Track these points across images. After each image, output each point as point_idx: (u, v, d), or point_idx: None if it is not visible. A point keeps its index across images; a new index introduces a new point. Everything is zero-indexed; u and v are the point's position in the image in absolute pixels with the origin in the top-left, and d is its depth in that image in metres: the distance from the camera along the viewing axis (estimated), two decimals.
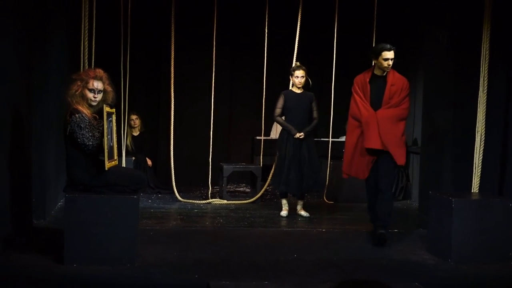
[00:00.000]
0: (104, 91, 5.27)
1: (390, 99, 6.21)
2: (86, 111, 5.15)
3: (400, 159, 6.20)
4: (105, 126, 5.07)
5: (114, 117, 5.37)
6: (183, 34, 9.71)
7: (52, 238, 5.74)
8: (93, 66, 6.74)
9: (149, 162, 9.55)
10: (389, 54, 6.19)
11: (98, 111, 5.21)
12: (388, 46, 6.18)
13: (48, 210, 6.89)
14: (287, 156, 7.52)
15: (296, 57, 8.26)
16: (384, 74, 6.28)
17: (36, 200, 6.51)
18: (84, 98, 5.18)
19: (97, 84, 5.22)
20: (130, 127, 9.48)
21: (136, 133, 9.58)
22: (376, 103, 6.25)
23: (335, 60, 8.56)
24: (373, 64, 6.38)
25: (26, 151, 6.14)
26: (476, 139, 6.18)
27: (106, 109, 5.13)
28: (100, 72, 5.28)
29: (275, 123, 9.71)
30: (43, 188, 6.70)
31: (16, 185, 5.64)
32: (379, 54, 6.21)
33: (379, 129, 6.10)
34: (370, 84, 6.29)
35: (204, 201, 8.54)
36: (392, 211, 6.36)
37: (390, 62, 6.20)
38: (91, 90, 5.19)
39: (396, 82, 6.23)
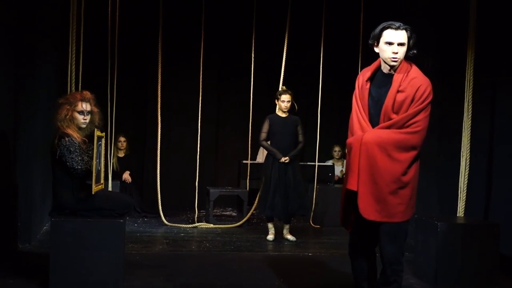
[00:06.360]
0: (91, 112, 5.29)
1: (394, 112, 4.10)
2: (75, 134, 5.15)
3: (399, 215, 4.13)
4: (95, 150, 5.07)
5: (103, 140, 5.39)
6: (171, 56, 9.76)
7: (37, 263, 5.71)
8: (80, 89, 6.75)
9: (129, 178, 9.40)
10: (396, 36, 4.01)
11: (87, 135, 5.22)
12: (396, 23, 4.04)
13: (33, 234, 6.84)
14: (272, 180, 7.52)
15: (283, 80, 8.32)
16: (393, 71, 4.15)
17: (22, 224, 6.46)
18: (73, 121, 5.18)
19: (86, 106, 5.23)
20: (117, 148, 9.48)
21: (121, 154, 9.57)
22: (377, 116, 4.19)
23: (321, 85, 8.62)
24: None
25: (12, 175, 6.11)
26: (461, 163, 6.19)
27: (97, 133, 5.14)
28: (87, 94, 5.31)
29: (261, 147, 9.74)
30: (28, 211, 6.65)
31: (1, 208, 5.61)
32: (379, 35, 4.08)
33: (359, 162, 4.06)
34: (370, 86, 4.23)
35: (190, 225, 8.51)
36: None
37: (397, 50, 4.02)
38: (80, 112, 5.20)
39: (408, 87, 4.10)
